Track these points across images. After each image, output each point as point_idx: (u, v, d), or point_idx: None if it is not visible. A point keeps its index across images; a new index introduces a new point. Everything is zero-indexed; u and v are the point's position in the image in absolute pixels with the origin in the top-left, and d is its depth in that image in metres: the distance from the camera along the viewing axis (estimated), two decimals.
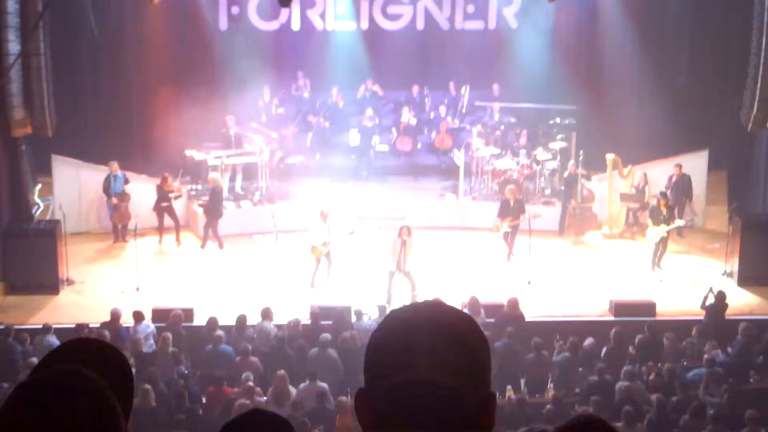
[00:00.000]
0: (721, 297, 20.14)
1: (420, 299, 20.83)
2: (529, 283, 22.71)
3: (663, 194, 23.74)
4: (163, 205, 24.96)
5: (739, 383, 17.74)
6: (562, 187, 26.47)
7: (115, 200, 25.05)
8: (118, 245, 25.03)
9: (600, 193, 26.26)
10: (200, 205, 25.30)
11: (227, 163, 26.44)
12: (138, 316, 19.37)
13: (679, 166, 25.67)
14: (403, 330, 2.54)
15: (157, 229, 25.19)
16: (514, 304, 19.94)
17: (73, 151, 25.63)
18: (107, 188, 25.08)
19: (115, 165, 25.12)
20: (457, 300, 20.03)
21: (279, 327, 19.20)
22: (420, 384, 2.47)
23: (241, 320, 19.28)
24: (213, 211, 24.68)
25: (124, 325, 19.41)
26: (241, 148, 26.92)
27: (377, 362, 2.55)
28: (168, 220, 25.10)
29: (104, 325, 19.05)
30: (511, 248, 24.21)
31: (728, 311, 20.43)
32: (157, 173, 25.68)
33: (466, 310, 18.76)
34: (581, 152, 26.40)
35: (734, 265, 23.27)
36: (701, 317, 20.17)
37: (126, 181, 25.23)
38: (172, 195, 24.95)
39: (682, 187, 25.53)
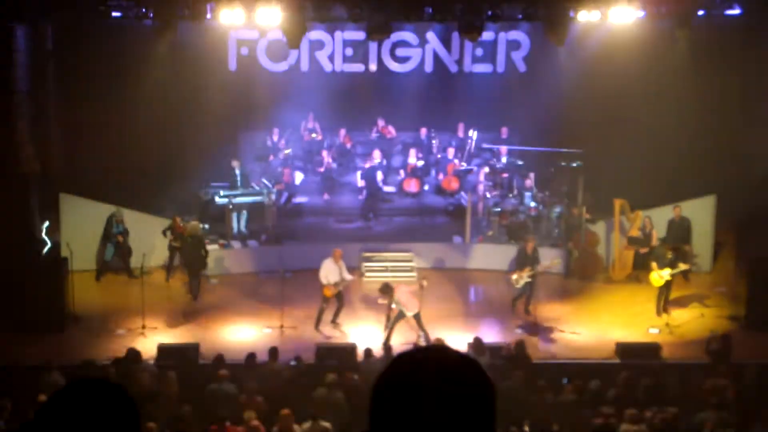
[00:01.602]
0: (726, 341, 20.06)
1: (424, 342, 20.84)
2: (535, 325, 22.69)
3: (668, 239, 23.76)
4: (174, 245, 25.00)
5: (746, 427, 17.63)
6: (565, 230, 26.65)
7: (120, 238, 25.19)
8: (126, 282, 25.08)
9: (606, 237, 26.32)
10: (181, 262, 24.67)
11: (235, 202, 26.47)
12: (141, 354, 19.35)
13: (679, 208, 25.70)
14: (412, 378, 2.56)
15: (165, 267, 25.26)
16: (521, 345, 19.91)
17: (81, 190, 25.68)
18: (109, 231, 25.20)
19: (117, 210, 25.25)
20: (462, 341, 20.03)
21: (284, 366, 19.17)
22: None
23: (250, 358, 19.25)
24: (193, 262, 24.09)
25: (132, 362, 19.36)
26: (248, 187, 26.96)
27: (385, 409, 2.57)
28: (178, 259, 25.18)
29: (114, 362, 19.04)
30: (529, 299, 23.54)
31: (735, 355, 20.38)
32: (163, 212, 25.80)
33: (470, 351, 18.77)
34: (587, 196, 26.42)
35: (741, 309, 23.22)
36: (706, 361, 20.11)
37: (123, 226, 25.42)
38: (173, 239, 24.97)
39: (680, 230, 25.53)
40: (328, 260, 22.63)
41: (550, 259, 24.19)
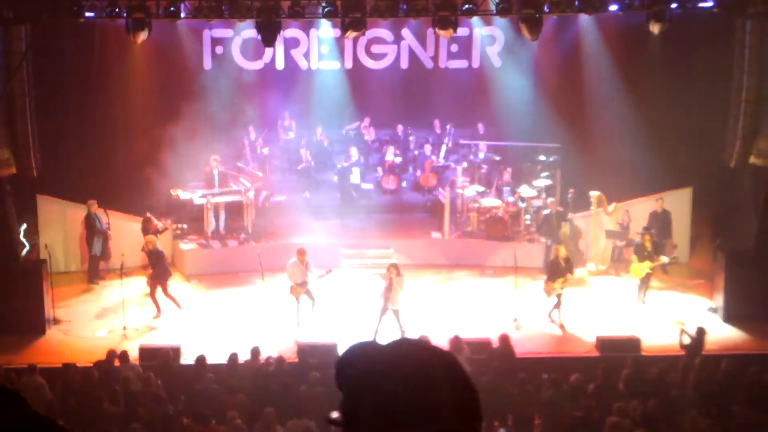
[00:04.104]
0: (700, 334, 20.09)
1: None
2: (515, 320, 22.74)
3: (647, 230, 23.85)
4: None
5: (724, 417, 17.73)
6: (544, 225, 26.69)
7: (102, 236, 25.09)
8: (103, 284, 25.01)
9: (585, 230, 26.42)
10: (150, 276, 23.43)
11: (213, 202, 26.39)
12: (124, 356, 19.32)
13: (661, 200, 25.84)
14: (387, 374, 2.52)
15: (144, 269, 25.11)
16: (505, 340, 19.95)
17: (58, 191, 25.58)
18: (92, 226, 25.05)
19: (95, 204, 25.11)
20: (442, 336, 20.04)
21: (266, 364, 19.16)
22: None
23: (233, 358, 19.24)
24: (162, 274, 23.26)
25: (115, 363, 19.31)
26: (226, 186, 26.88)
27: (360, 402, 2.53)
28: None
29: (96, 364, 19.00)
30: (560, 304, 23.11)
31: (714, 346, 20.50)
32: (142, 212, 25.72)
33: (449, 348, 18.77)
34: (570, 191, 26.62)
35: (719, 301, 23.33)
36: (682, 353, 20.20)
37: (106, 221, 25.25)
38: (157, 230, 24.76)
39: (661, 222, 25.65)
40: (293, 260, 22.60)
41: (585, 267, 24.41)
